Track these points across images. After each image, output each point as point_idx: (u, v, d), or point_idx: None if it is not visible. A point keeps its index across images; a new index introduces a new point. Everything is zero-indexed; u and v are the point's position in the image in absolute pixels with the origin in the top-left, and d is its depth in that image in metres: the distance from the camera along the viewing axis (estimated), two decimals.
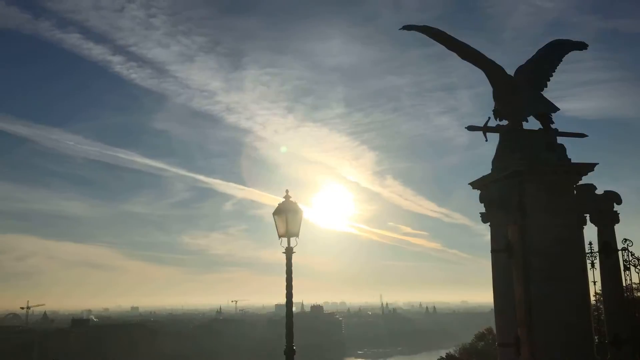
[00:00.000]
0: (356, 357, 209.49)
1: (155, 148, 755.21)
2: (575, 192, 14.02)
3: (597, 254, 14.07)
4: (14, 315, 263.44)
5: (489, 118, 14.23)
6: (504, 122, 14.31)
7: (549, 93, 14.90)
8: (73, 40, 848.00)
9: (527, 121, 14.43)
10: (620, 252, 14.11)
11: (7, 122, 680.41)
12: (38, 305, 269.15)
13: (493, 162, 14.18)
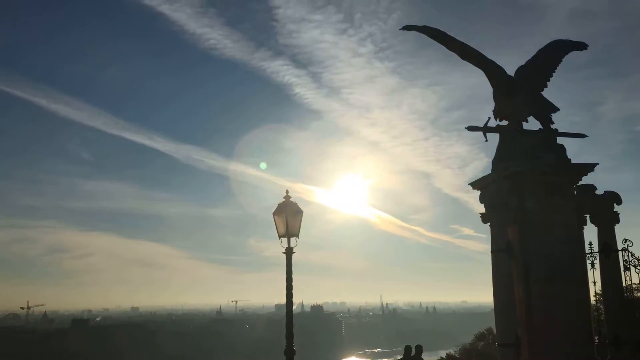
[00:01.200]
0: (356, 357, 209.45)
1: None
2: (575, 192, 14.02)
3: (597, 254, 14.07)
4: (14, 315, 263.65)
5: (489, 118, 14.23)
6: (504, 122, 14.30)
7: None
8: None
9: (527, 121, 14.43)
10: (620, 253, 14.11)
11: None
12: (38, 305, 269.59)
13: (493, 162, 14.17)
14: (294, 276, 12.90)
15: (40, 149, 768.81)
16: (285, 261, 12.87)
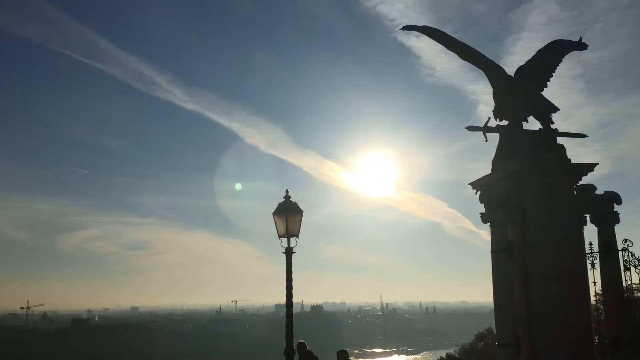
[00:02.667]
0: (356, 358, 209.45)
1: None
2: (575, 192, 14.02)
3: (597, 254, 14.07)
4: (14, 315, 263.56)
5: (489, 118, 14.23)
6: (504, 122, 14.30)
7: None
8: None
9: (527, 121, 14.42)
10: (620, 253, 14.11)
11: None
12: (38, 305, 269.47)
13: (493, 162, 14.17)
14: (293, 276, 12.91)
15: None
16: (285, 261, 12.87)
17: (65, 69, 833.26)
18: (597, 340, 14.14)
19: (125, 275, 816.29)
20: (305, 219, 13.16)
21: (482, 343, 42.47)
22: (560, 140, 14.27)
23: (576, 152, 14.28)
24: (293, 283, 12.90)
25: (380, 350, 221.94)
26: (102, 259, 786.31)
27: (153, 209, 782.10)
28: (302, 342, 13.40)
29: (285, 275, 12.90)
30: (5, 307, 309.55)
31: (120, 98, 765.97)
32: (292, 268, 12.89)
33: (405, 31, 14.62)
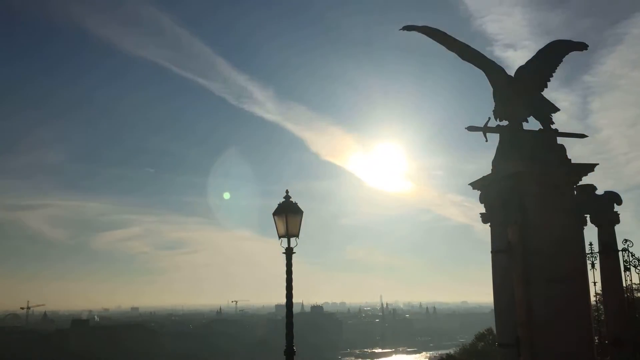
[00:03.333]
0: (356, 358, 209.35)
1: None
2: (575, 192, 14.02)
3: (598, 254, 14.06)
4: (14, 316, 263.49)
5: (489, 118, 14.22)
6: (504, 123, 14.30)
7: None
8: None
9: (527, 121, 14.43)
10: (620, 253, 14.10)
11: None
12: (38, 306, 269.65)
13: (493, 162, 14.17)
14: (293, 276, 12.90)
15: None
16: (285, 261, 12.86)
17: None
18: (597, 341, 14.13)
19: (147, 275, 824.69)
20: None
21: (482, 343, 42.40)
22: (560, 140, 14.29)
23: (576, 152, 14.25)
24: (293, 283, 12.90)
25: (380, 350, 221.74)
26: (132, 258, 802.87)
27: (196, 209, 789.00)
28: None
29: (285, 276, 12.89)
30: (5, 308, 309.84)
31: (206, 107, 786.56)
32: (292, 268, 12.88)
33: (405, 31, 14.61)
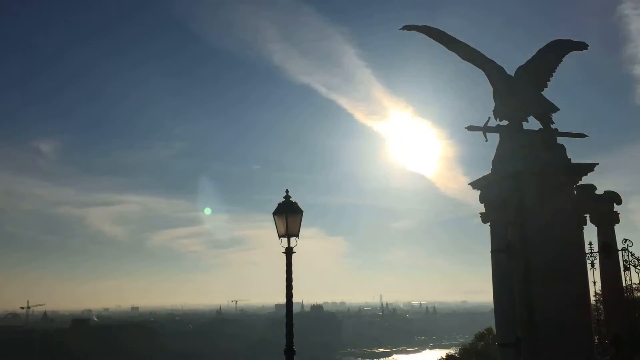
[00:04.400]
0: (356, 357, 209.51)
1: None
2: (575, 192, 14.02)
3: (597, 254, 14.07)
4: (14, 315, 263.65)
5: (489, 118, 14.23)
6: (504, 122, 14.31)
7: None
8: None
9: (527, 121, 14.43)
10: (620, 252, 14.12)
11: None
12: (38, 305, 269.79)
13: (493, 162, 14.17)
14: (293, 276, 12.91)
15: None
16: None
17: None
18: (597, 341, 14.14)
19: (186, 273, 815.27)
20: None
21: (482, 343, 42.38)
22: (560, 140, 14.29)
23: (576, 152, 14.25)
24: (293, 283, 12.91)
25: (380, 350, 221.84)
26: (180, 256, 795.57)
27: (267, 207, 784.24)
28: None
29: (285, 276, 12.91)
30: (5, 308, 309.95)
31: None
32: (292, 268, 12.90)
33: (405, 31, 14.63)
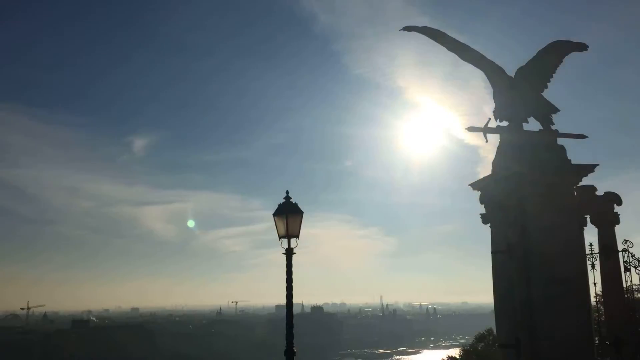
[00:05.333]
0: (356, 358, 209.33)
1: None
2: (575, 193, 14.01)
3: (598, 255, 14.08)
4: (14, 316, 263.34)
5: (489, 119, 14.22)
6: (505, 123, 14.30)
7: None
8: None
9: (527, 122, 14.42)
10: (620, 254, 14.11)
11: None
12: (38, 306, 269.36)
13: (493, 163, 14.17)
14: (293, 276, 12.91)
15: None
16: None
17: None
18: (597, 341, 14.13)
19: (214, 273, 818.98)
20: None
21: (482, 344, 42.38)
22: (560, 141, 14.28)
23: (576, 153, 14.25)
24: (293, 284, 12.90)
25: (380, 351, 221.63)
26: (221, 256, 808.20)
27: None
28: None
29: (285, 276, 12.90)
30: (5, 308, 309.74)
31: None
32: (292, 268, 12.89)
33: (405, 32, 14.63)
